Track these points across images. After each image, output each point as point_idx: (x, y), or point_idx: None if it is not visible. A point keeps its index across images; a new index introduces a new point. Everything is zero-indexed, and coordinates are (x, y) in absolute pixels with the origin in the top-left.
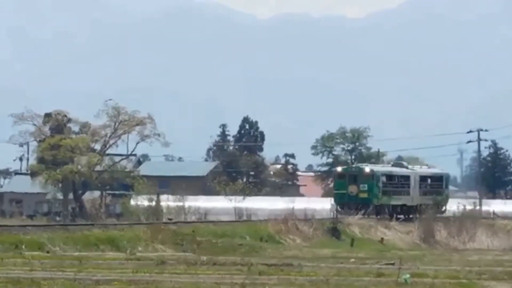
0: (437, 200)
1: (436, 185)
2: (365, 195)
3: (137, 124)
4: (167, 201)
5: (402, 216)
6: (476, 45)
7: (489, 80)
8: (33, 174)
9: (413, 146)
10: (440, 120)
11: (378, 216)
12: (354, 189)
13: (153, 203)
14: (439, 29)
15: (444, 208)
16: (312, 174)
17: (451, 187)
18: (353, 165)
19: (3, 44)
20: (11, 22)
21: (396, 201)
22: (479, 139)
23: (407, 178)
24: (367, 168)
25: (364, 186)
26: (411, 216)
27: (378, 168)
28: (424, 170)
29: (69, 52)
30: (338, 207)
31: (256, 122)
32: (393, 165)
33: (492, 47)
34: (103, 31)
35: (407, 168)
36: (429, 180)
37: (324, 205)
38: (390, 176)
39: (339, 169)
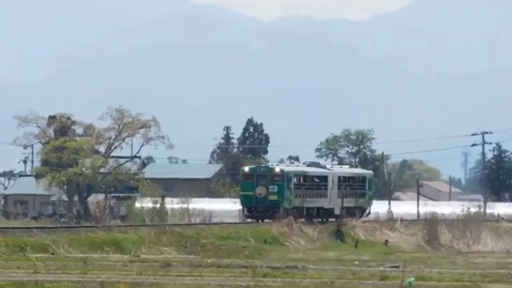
0: (359, 203)
1: (358, 186)
2: (274, 198)
3: (142, 127)
4: (172, 204)
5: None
6: (481, 47)
7: (493, 83)
8: (37, 176)
9: (418, 149)
10: (445, 122)
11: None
12: (263, 191)
13: (158, 205)
14: (442, 31)
15: (367, 211)
16: None
17: (455, 189)
18: (262, 165)
19: (7, 48)
20: (21, 26)
21: (311, 203)
22: (483, 142)
23: (324, 178)
24: (277, 168)
25: (273, 188)
26: (329, 219)
27: (290, 168)
28: (345, 170)
29: (74, 57)
30: (245, 211)
31: (261, 124)
32: (309, 165)
33: (497, 50)
34: (109, 36)
35: (325, 168)
36: (350, 181)
37: None
38: (304, 177)
39: (246, 168)
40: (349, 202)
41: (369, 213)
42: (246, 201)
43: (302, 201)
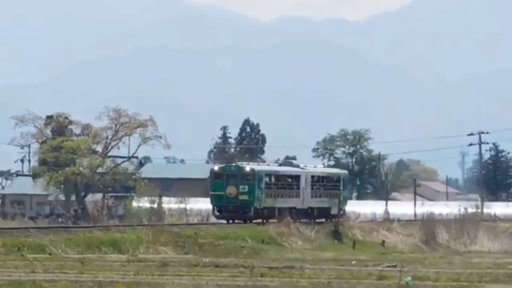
0: (333, 203)
1: (332, 186)
2: (245, 198)
3: (139, 127)
4: (169, 203)
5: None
6: (478, 46)
7: (491, 82)
8: (35, 175)
9: (415, 149)
10: (442, 123)
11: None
12: (233, 190)
13: (155, 205)
14: (440, 31)
15: (342, 211)
16: None
17: (452, 190)
18: (232, 164)
19: (7, 47)
20: (16, 27)
21: (283, 203)
22: (480, 142)
23: (296, 178)
24: (248, 167)
25: (244, 187)
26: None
27: (261, 167)
28: (318, 170)
29: (74, 59)
30: (215, 211)
31: (258, 124)
32: (281, 164)
33: (493, 49)
34: (107, 38)
35: (298, 167)
36: (324, 181)
37: None
38: (276, 176)
39: (215, 168)
40: (323, 202)
41: (344, 213)
42: (216, 201)
43: (273, 201)
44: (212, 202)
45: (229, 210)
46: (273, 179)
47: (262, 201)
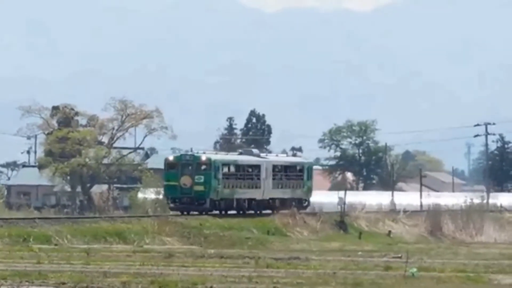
0: (297, 194)
1: (296, 176)
2: (200, 188)
3: (145, 118)
4: None
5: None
6: (485, 38)
7: (497, 73)
8: (41, 166)
9: (421, 140)
10: (448, 114)
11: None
12: (188, 181)
13: (161, 196)
14: (446, 22)
15: (306, 203)
16: (319, 167)
17: (458, 181)
18: (187, 153)
19: (14, 36)
20: (26, 14)
21: (242, 195)
22: (486, 133)
23: (256, 168)
24: (203, 156)
25: (199, 178)
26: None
27: (218, 156)
28: (280, 159)
29: (78, 47)
30: (169, 202)
31: (263, 115)
32: (240, 153)
33: (500, 40)
34: (111, 28)
35: (258, 156)
36: (286, 171)
37: (331, 198)
38: (234, 166)
39: (170, 157)
40: (285, 193)
41: (308, 205)
42: (170, 192)
43: (232, 192)
44: (165, 193)
45: (183, 201)
46: (231, 168)
47: (219, 192)
